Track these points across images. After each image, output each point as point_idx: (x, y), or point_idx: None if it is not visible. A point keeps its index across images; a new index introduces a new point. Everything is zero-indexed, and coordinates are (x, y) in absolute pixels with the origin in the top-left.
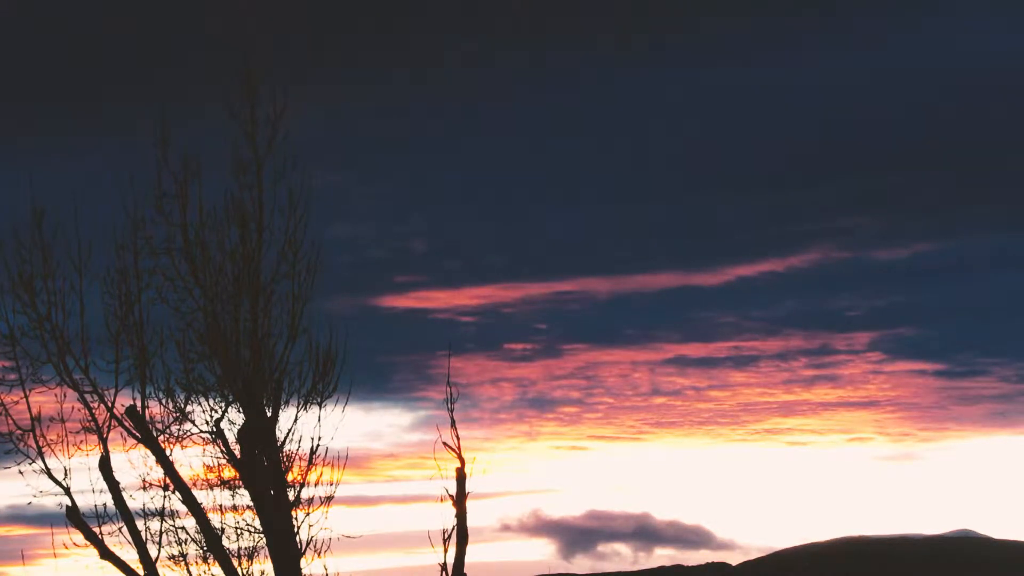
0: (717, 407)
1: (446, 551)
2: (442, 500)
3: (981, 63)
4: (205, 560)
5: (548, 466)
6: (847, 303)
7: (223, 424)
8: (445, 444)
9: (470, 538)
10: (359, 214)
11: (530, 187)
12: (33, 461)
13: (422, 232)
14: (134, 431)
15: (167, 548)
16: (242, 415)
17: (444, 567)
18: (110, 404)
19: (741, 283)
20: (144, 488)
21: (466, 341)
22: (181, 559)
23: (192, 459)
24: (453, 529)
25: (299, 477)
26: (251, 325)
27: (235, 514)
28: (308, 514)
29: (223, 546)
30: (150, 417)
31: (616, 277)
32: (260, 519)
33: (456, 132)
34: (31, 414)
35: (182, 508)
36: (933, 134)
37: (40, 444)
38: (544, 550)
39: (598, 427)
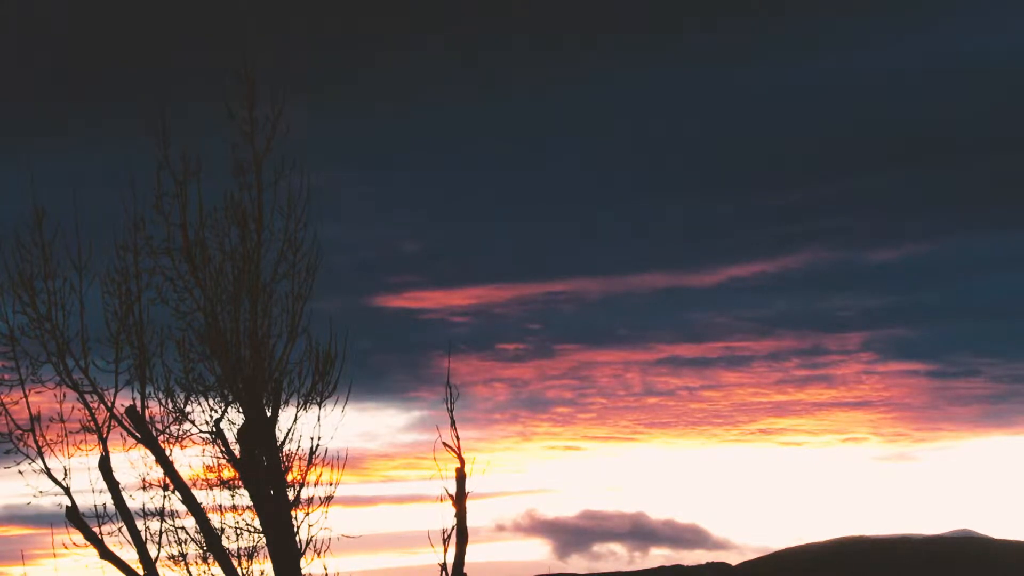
0: (711, 407)
1: (446, 551)
2: (441, 500)
3: (979, 63)
4: (205, 560)
5: (542, 466)
6: (839, 303)
7: (223, 424)
8: (445, 444)
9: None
10: (352, 214)
11: (524, 187)
12: (33, 461)
13: (415, 232)
14: (134, 431)
15: (167, 548)
16: (242, 415)
17: (444, 567)
18: (110, 404)
19: (733, 283)
20: (144, 488)
21: (459, 341)
22: (181, 559)
23: (192, 459)
24: (453, 529)
25: (299, 477)
26: (251, 325)
27: (235, 514)
28: (308, 514)
29: (223, 546)
30: (150, 417)
31: (609, 277)
32: (260, 519)
33: (451, 132)
34: (31, 414)
35: (182, 508)
36: (927, 134)
37: (40, 444)
38: (540, 550)
39: (592, 427)
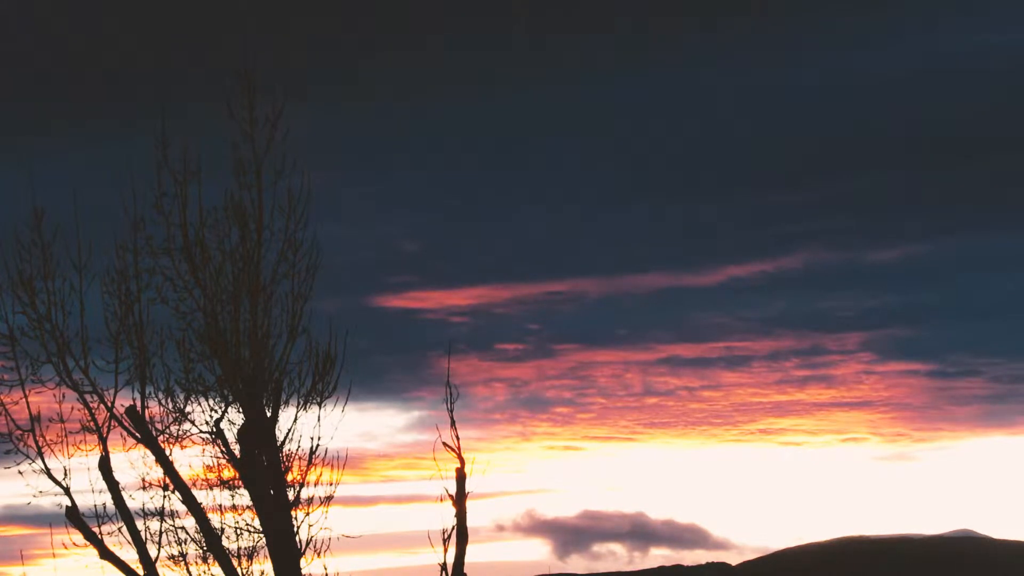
0: (710, 407)
1: (446, 551)
2: (441, 500)
3: (979, 63)
4: (205, 560)
5: (542, 466)
6: (839, 303)
7: (223, 424)
8: (445, 444)
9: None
10: (352, 214)
11: (524, 187)
12: (33, 461)
13: (415, 232)
14: (134, 431)
15: (167, 548)
16: (242, 415)
17: (444, 567)
18: (110, 404)
19: (733, 283)
20: (144, 488)
21: (458, 341)
22: (181, 559)
23: (192, 459)
24: (453, 529)
25: (299, 477)
26: (251, 325)
27: (235, 514)
28: (308, 514)
29: (223, 546)
30: (150, 417)
31: (608, 277)
32: (260, 519)
33: (451, 132)
34: (31, 414)
35: (182, 508)
36: (926, 135)
37: (40, 444)
38: (539, 550)
39: (591, 427)
